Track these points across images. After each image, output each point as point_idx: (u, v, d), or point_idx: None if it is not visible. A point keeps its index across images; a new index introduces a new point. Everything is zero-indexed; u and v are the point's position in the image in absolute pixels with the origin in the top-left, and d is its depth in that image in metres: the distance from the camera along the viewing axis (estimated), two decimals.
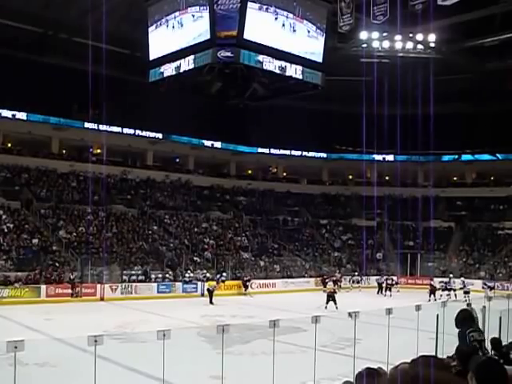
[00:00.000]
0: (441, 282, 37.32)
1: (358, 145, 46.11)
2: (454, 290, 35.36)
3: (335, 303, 28.78)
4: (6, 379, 9.20)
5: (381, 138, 36.38)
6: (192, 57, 15.33)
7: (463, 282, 36.40)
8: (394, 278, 41.35)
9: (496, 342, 8.37)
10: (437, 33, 37.04)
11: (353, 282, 41.97)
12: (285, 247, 47.21)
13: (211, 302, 31.66)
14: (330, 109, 49.76)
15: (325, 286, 34.77)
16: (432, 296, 34.64)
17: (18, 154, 43.68)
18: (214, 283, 33.85)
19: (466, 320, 7.47)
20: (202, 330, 19.94)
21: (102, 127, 42.54)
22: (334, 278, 37.59)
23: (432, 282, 36.90)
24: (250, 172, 58.42)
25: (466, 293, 33.36)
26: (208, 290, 32.84)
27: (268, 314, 21.06)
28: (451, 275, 38.96)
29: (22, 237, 34.98)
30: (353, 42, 38.50)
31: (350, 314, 13.48)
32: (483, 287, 37.17)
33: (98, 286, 32.39)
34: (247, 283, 37.21)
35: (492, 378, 3.22)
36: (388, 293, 37.71)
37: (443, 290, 35.28)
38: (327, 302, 29.19)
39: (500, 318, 13.96)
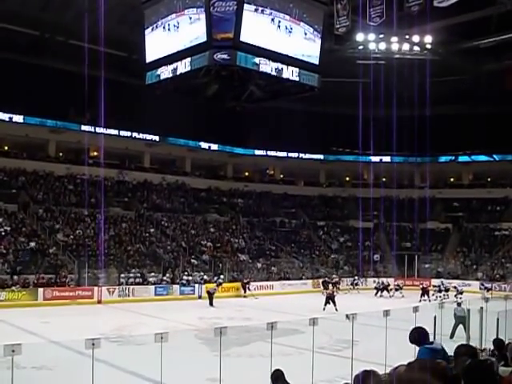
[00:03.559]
0: (434, 285, 37.54)
1: (355, 146, 46.25)
2: (448, 291, 35.52)
3: (335, 305, 28.89)
4: (4, 383, 9.18)
5: (377, 140, 36.47)
6: (189, 59, 15.33)
7: (456, 285, 36.65)
8: (390, 280, 41.42)
9: (499, 343, 8.45)
10: (433, 34, 37.09)
11: (351, 283, 41.92)
12: (282, 249, 47.19)
13: (211, 305, 31.66)
14: (327, 110, 49.80)
15: (326, 289, 34.70)
16: (425, 296, 34.71)
17: (15, 156, 43.69)
18: (213, 285, 33.84)
19: (278, 379, 8.04)
20: (200, 333, 19.93)
21: (99, 130, 42.50)
22: (334, 281, 37.62)
23: (424, 283, 37.06)
24: (247, 174, 58.38)
25: (460, 293, 33.40)
26: (208, 292, 32.80)
27: (265, 316, 21.10)
28: (442, 279, 39.06)
29: (19, 240, 34.92)
30: (349, 43, 38.52)
31: (347, 316, 13.48)
32: (480, 288, 37.30)
33: (96, 288, 32.32)
34: (247, 285, 37.18)
35: (480, 379, 3.24)
36: (386, 294, 37.76)
37: (438, 292, 35.41)
38: (325, 304, 29.25)
39: (497, 319, 13.98)
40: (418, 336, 7.29)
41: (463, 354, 5.22)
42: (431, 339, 7.76)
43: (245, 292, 36.87)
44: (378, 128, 33.65)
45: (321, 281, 40.15)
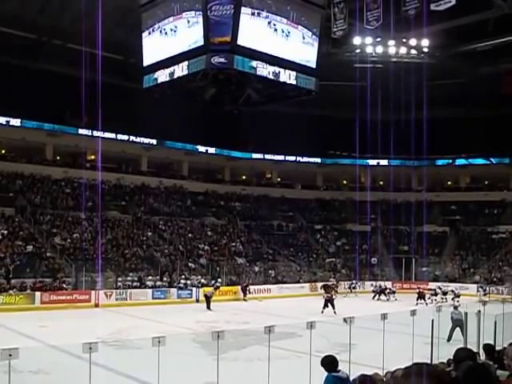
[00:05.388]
0: (430, 289, 37.51)
1: (352, 150, 46.17)
2: (445, 294, 35.51)
3: (334, 308, 28.95)
4: None
5: (375, 143, 36.39)
6: (186, 63, 15.28)
7: (454, 288, 36.62)
8: (387, 283, 41.50)
9: (489, 348, 8.49)
10: (430, 38, 37.12)
11: (349, 287, 41.89)
12: (279, 252, 47.17)
13: (209, 308, 31.60)
14: (324, 114, 49.90)
15: (328, 293, 34.50)
16: (421, 300, 34.68)
17: (12, 160, 43.63)
18: (211, 289, 33.76)
19: None
20: (197, 336, 19.90)
21: (96, 133, 42.42)
22: (333, 284, 37.51)
23: (421, 287, 37.06)
24: (244, 177, 58.41)
25: (457, 296, 33.38)
26: (205, 295, 32.71)
27: (263, 320, 21.09)
28: (439, 284, 39.03)
29: (16, 243, 34.86)
30: (346, 47, 38.55)
31: (345, 320, 13.48)
32: (478, 290, 37.29)
33: (93, 292, 32.26)
34: (246, 289, 37.13)
35: (480, 383, 3.23)
36: (384, 297, 37.73)
37: (434, 295, 35.37)
38: (324, 307, 29.31)
39: (495, 323, 13.98)
40: (327, 363, 8.39)
41: (462, 358, 5.23)
42: (428, 342, 7.79)
43: (245, 296, 36.80)
44: (375, 131, 33.59)
45: (320, 285, 39.96)
